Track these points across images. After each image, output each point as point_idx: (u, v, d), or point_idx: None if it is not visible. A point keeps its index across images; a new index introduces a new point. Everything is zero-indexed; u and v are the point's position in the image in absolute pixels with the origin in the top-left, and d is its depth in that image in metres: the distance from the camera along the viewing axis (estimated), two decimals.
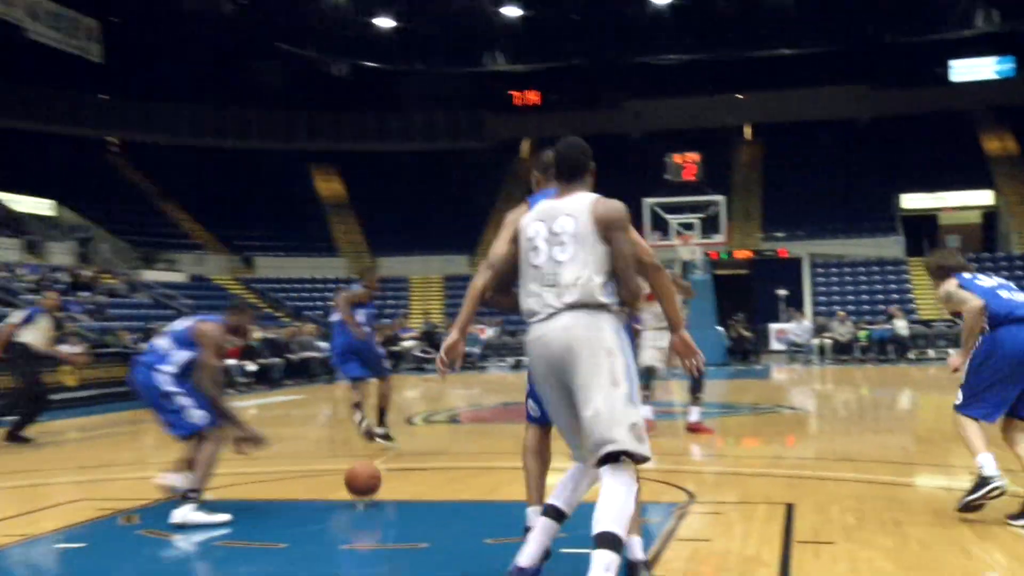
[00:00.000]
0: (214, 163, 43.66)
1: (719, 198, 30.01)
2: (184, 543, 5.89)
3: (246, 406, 17.74)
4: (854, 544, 5.28)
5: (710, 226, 29.43)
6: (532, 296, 4.19)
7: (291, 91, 44.54)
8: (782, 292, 32.76)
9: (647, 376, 10.45)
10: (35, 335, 12.21)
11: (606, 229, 4.15)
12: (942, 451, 8.75)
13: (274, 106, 45.75)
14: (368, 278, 10.64)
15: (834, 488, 7.06)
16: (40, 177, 36.98)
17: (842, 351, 26.55)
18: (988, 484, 5.66)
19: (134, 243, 37.36)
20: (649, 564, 4.74)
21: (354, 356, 10.01)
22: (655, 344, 10.21)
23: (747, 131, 46.34)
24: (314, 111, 46.54)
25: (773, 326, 31.65)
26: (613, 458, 3.99)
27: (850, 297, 34.95)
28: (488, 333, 29.38)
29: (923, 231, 38.34)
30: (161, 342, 6.77)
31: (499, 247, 4.57)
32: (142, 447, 12.11)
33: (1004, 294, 5.96)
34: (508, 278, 4.47)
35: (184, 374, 6.56)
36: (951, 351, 16.10)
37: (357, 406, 10.07)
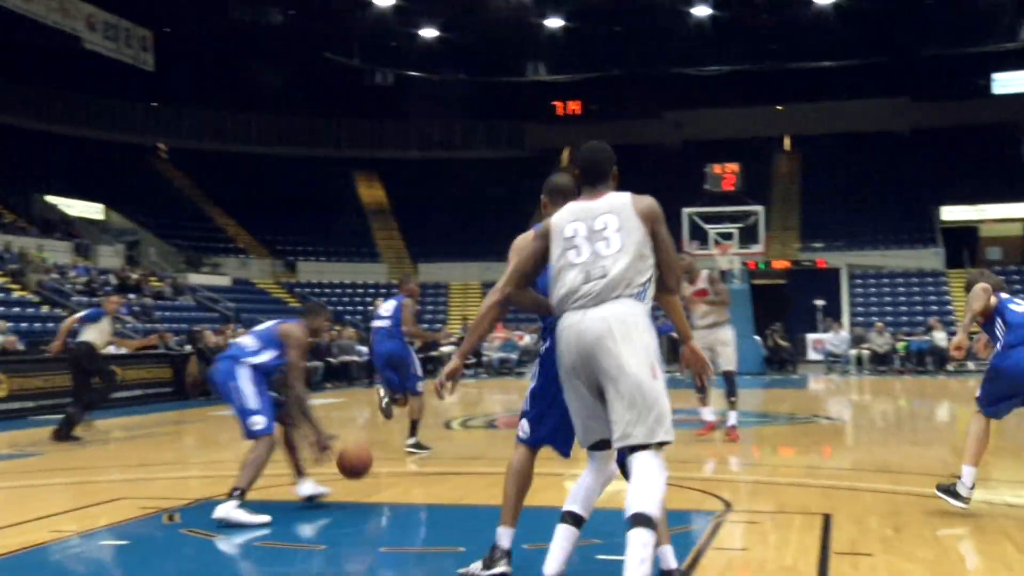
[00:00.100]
0: (259, 169, 44.16)
1: (758, 208, 29.88)
2: (224, 543, 5.98)
3: None
4: (893, 556, 5.25)
5: (748, 236, 29.32)
6: (570, 291, 4.20)
7: (336, 99, 44.93)
8: (820, 302, 32.56)
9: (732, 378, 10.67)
10: (96, 335, 12.53)
11: (651, 222, 4.26)
12: (982, 464, 8.65)
13: (319, 114, 46.22)
14: (408, 284, 10.74)
15: (871, 499, 7.02)
16: (91, 182, 37.70)
17: (880, 362, 26.33)
18: (955, 497, 6.22)
19: (180, 247, 37.87)
20: (685, 573, 4.76)
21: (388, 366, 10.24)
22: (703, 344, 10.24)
23: (786, 142, 46.12)
24: (358, 119, 46.95)
25: (810, 336, 31.46)
26: (645, 446, 4.05)
27: (888, 308, 34.65)
28: (526, 340, 29.40)
29: (963, 243, 37.95)
30: (246, 340, 7.02)
31: (511, 275, 4.57)
32: (184, 447, 12.28)
33: None
34: (529, 278, 4.49)
35: (264, 372, 6.79)
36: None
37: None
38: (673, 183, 38.42)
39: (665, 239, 4.29)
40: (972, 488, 6.25)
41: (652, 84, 43.59)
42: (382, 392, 10.44)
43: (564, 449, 4.77)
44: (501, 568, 4.64)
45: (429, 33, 40.80)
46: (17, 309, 24.42)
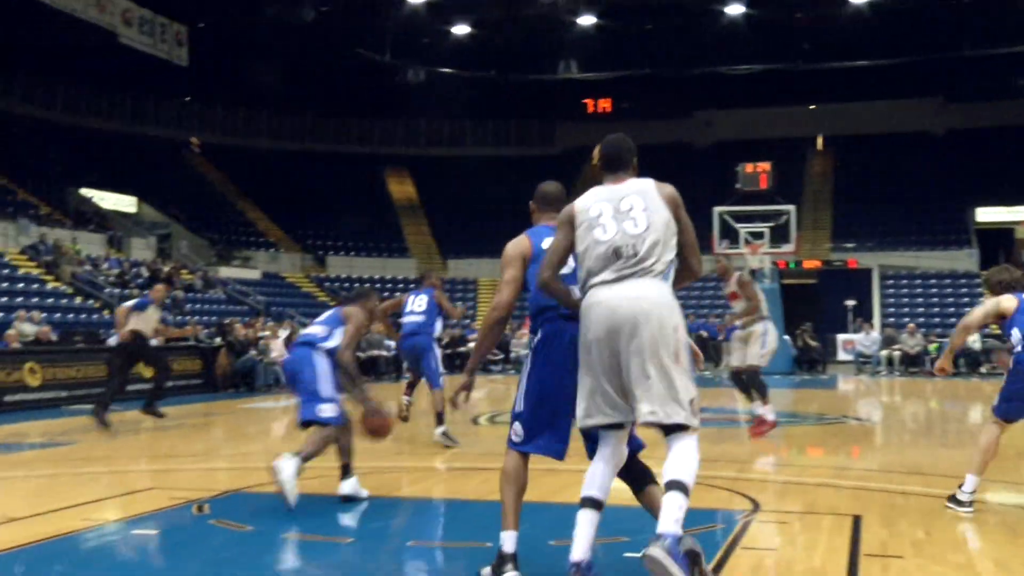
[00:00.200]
0: (290, 164, 44.41)
1: (789, 208, 29.73)
2: (253, 535, 6.01)
3: None
4: (924, 559, 5.21)
5: (779, 235, 29.16)
6: (598, 267, 4.31)
7: (367, 96, 45.06)
8: (850, 303, 32.35)
9: (755, 376, 10.80)
10: (144, 323, 12.88)
11: (674, 207, 4.43)
12: (1015, 468, 8.57)
13: (350, 110, 46.40)
14: (431, 278, 11.11)
15: (902, 501, 6.97)
16: (124, 175, 38.06)
17: (911, 363, 26.11)
18: (957, 504, 6.46)
19: (211, 240, 38.15)
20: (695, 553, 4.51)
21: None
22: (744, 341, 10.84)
23: (819, 142, 45.82)
24: (389, 116, 47.10)
25: (840, 336, 31.28)
26: (674, 428, 4.20)
27: (920, 309, 34.38)
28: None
29: (999, 245, 37.55)
30: (315, 328, 7.28)
31: (510, 288, 4.77)
32: (213, 439, 12.36)
33: None
34: (560, 268, 4.54)
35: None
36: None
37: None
38: (704, 182, 38.29)
39: (687, 223, 4.45)
40: (973, 494, 6.47)
41: (684, 83, 43.41)
42: (406, 400, 11.22)
43: (558, 453, 4.74)
44: (509, 573, 4.62)
45: (461, 30, 40.81)
46: (51, 300, 24.68)
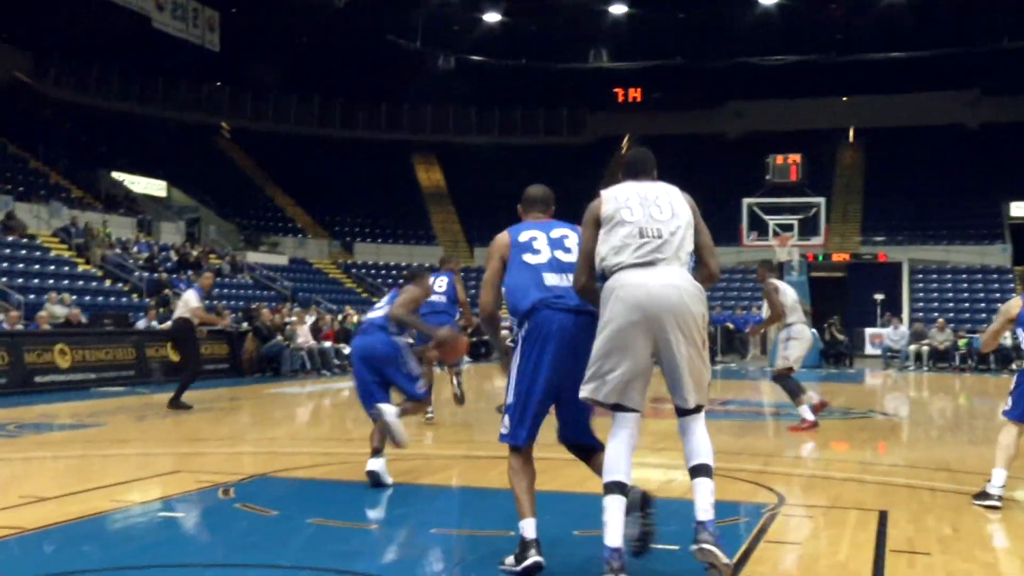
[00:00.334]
0: (319, 151, 44.55)
1: (819, 200, 29.53)
2: (278, 519, 6.04)
3: (341, 387, 18.09)
4: (951, 556, 5.16)
5: (808, 228, 28.98)
6: (623, 249, 4.49)
7: (397, 83, 45.06)
8: (879, 296, 32.12)
9: (780, 378, 11.09)
10: (190, 311, 13.31)
11: (693, 210, 4.66)
12: None
13: (379, 97, 46.48)
14: (450, 263, 11.32)
15: (929, 498, 6.91)
16: (155, 159, 38.33)
17: (940, 359, 25.89)
18: (986, 499, 6.46)
19: (239, 225, 38.36)
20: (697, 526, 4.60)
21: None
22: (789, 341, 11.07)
23: (850, 134, 45.46)
24: (418, 103, 47.12)
25: (868, 330, 31.08)
26: (694, 409, 4.54)
27: (950, 304, 34.09)
28: None
29: None
30: (380, 312, 7.69)
31: (490, 290, 4.98)
32: (239, 423, 12.43)
33: None
34: (592, 272, 4.64)
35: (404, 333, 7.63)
36: None
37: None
38: (734, 173, 38.16)
39: (703, 226, 4.70)
40: (1002, 488, 6.47)
41: (715, 73, 43.12)
42: (456, 382, 11.83)
43: (582, 433, 4.94)
44: (533, 558, 4.64)
45: (492, 18, 40.73)
46: (81, 283, 24.90)
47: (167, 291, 25.13)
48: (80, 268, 26.22)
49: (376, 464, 7.12)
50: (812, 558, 5.15)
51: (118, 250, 28.08)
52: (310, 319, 23.06)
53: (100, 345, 17.53)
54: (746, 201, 29.33)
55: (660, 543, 4.96)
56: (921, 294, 35.35)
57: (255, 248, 36.19)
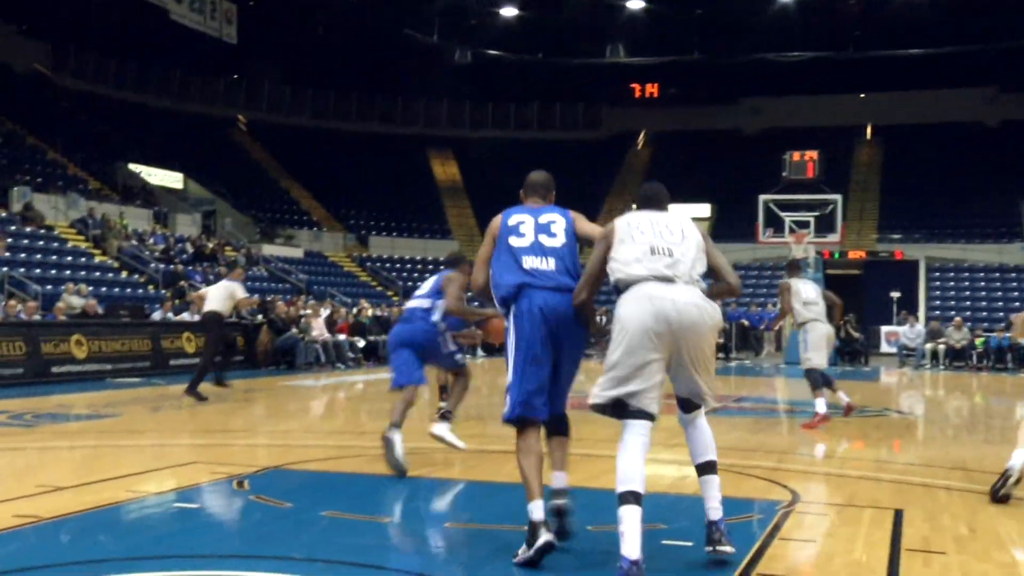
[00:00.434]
0: (335, 144, 44.61)
1: (835, 197, 29.41)
2: (291, 511, 6.06)
3: (355, 381, 18.12)
4: (967, 556, 5.13)
5: (825, 225, 28.87)
6: (636, 262, 4.73)
7: (413, 77, 45.12)
8: (895, 294, 31.98)
9: (807, 372, 11.23)
10: (224, 303, 13.65)
11: (703, 236, 4.95)
12: None
13: (397, 91, 46.52)
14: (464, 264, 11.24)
15: (945, 497, 6.87)
16: (172, 151, 38.46)
17: (956, 357, 25.76)
18: (1005, 479, 6.46)
19: (255, 218, 38.45)
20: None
21: None
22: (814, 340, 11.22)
23: (867, 131, 45.25)
24: (435, 97, 47.14)
25: (884, 328, 30.96)
26: (697, 406, 4.88)
27: (967, 303, 33.92)
28: (598, 320, 29.33)
29: None
30: (421, 302, 7.87)
31: (480, 267, 5.29)
32: (253, 415, 12.47)
33: None
34: (600, 280, 4.97)
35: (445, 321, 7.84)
36: None
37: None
38: (750, 169, 38.03)
39: (714, 249, 4.98)
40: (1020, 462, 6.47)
41: (732, 69, 43.03)
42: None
43: (544, 413, 5.08)
44: (544, 538, 4.71)
45: (509, 12, 40.71)
46: (97, 274, 25.01)
47: (183, 283, 25.24)
48: (97, 259, 26.33)
49: (440, 428, 7.77)
50: (827, 556, 5.13)
51: (134, 242, 28.19)
52: (325, 312, 23.11)
53: (116, 336, 17.61)
54: (762, 198, 29.23)
55: (674, 539, 4.96)
56: (938, 292, 35.19)
57: (270, 241, 36.28)
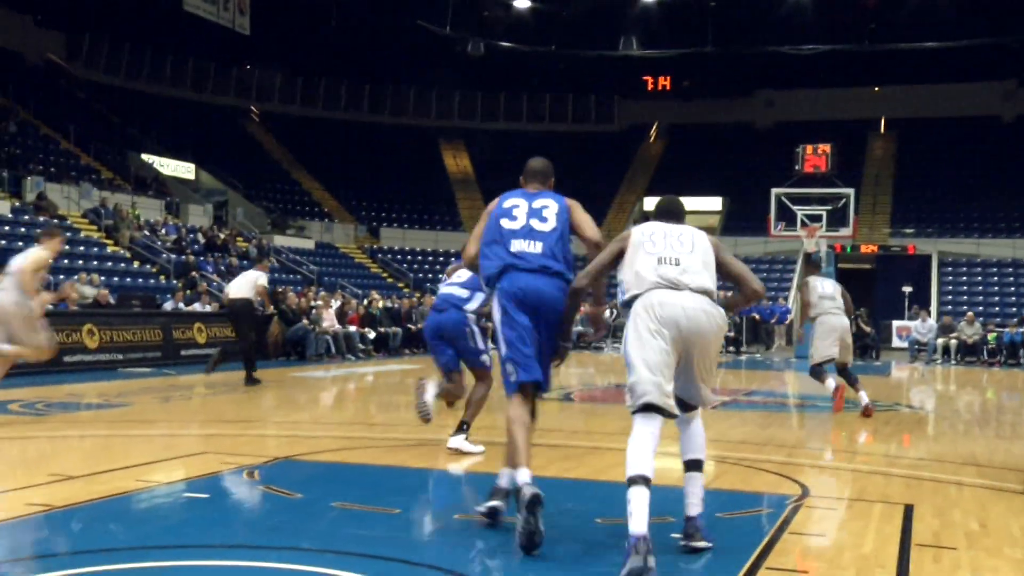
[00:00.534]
0: (347, 135, 44.67)
1: (848, 191, 29.32)
2: (301, 502, 6.07)
3: (365, 372, 18.15)
4: (978, 551, 5.11)
5: (837, 218, 28.78)
6: (646, 271, 4.91)
7: (426, 68, 45.10)
8: (907, 289, 31.89)
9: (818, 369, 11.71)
10: (250, 291, 14.13)
11: (717, 250, 5.12)
12: None
13: (408, 82, 46.53)
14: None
15: (956, 492, 6.84)
16: (184, 142, 38.54)
17: (968, 352, 25.66)
18: None
19: (267, 208, 38.51)
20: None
21: None
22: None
23: (881, 124, 45.05)
24: (447, 88, 47.11)
25: (896, 323, 30.87)
26: (693, 408, 5.05)
27: (979, 298, 33.79)
28: (606, 314, 29.31)
29: None
30: (457, 290, 7.96)
31: (473, 240, 5.57)
32: (264, 406, 12.49)
33: None
34: (606, 273, 5.24)
35: (478, 316, 7.92)
36: None
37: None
38: (763, 163, 37.92)
39: (731, 260, 5.17)
40: None
41: (746, 62, 42.87)
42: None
43: (546, 383, 5.41)
44: (494, 502, 5.16)
45: (522, 3, 40.61)
46: (109, 264, 25.09)
47: (194, 273, 25.30)
48: (109, 249, 26.41)
49: (456, 441, 7.77)
50: (836, 550, 5.12)
51: (146, 232, 28.26)
52: (335, 303, 23.13)
53: (127, 326, 17.65)
54: (775, 191, 29.14)
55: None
56: (950, 287, 35.07)
57: (282, 232, 36.35)
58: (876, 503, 6.35)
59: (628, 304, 4.96)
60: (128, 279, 24.55)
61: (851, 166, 37.79)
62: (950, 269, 35.84)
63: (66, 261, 23.65)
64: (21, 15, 37.50)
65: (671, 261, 4.91)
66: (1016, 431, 11.53)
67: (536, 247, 5.30)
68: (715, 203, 40.39)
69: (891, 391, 17.04)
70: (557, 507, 6.13)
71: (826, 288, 11.74)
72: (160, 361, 17.72)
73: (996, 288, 34.62)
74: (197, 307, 21.09)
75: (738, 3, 39.17)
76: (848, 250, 34.57)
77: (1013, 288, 34.25)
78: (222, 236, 30.70)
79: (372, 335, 22.93)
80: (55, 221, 24.10)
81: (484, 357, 7.96)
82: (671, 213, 5.25)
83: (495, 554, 5.00)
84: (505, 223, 5.42)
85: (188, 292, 22.85)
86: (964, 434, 11.06)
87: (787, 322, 29.40)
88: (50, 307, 17.91)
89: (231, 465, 7.15)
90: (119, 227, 27.39)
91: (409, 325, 24.38)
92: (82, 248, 25.51)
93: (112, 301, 20.02)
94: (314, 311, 21.61)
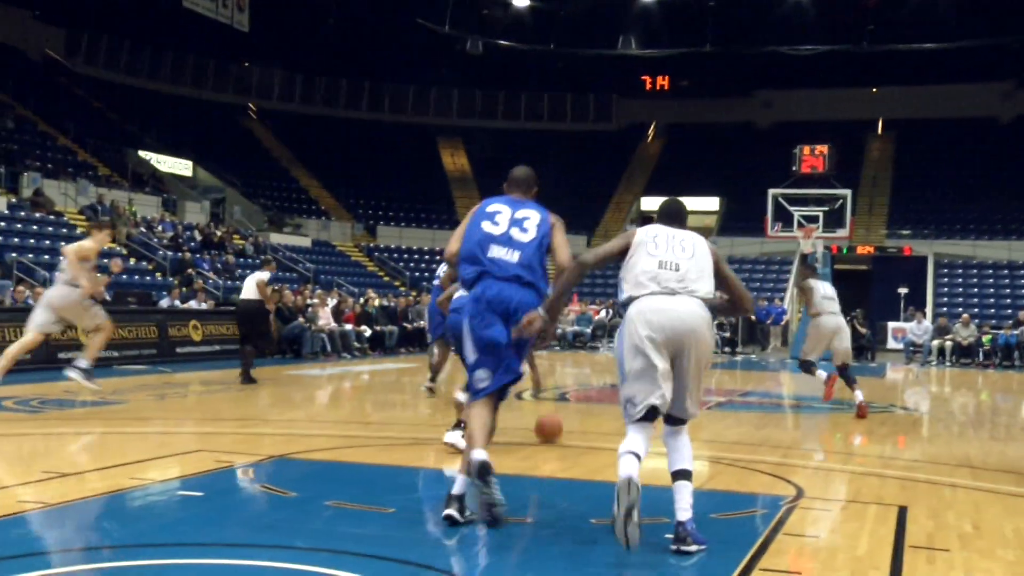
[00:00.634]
0: (346, 133, 44.65)
1: (845, 192, 29.34)
2: (296, 500, 6.07)
3: (360, 371, 18.14)
4: (971, 553, 5.12)
5: (834, 219, 28.79)
6: (645, 274, 5.06)
7: (425, 67, 45.10)
8: (903, 290, 31.92)
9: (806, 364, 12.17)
10: (256, 292, 14.49)
11: (716, 260, 5.26)
12: None
13: (407, 80, 46.52)
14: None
15: (950, 494, 6.85)
16: (181, 138, 38.51)
17: (964, 354, 25.69)
18: None
19: (264, 206, 38.47)
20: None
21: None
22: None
23: (879, 125, 45.09)
24: (446, 87, 47.10)
25: (891, 324, 30.90)
26: (681, 420, 5.13)
27: (975, 300, 33.83)
28: (600, 314, 29.33)
29: None
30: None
31: (455, 239, 5.66)
32: (258, 404, 12.47)
33: None
34: (607, 262, 5.37)
35: None
36: None
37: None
38: (760, 163, 37.93)
39: (729, 273, 5.35)
40: None
41: (744, 62, 42.88)
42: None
43: (517, 375, 5.58)
44: (449, 510, 5.31)
45: (521, 2, 40.60)
46: (105, 261, 25.00)
47: (190, 270, 25.27)
48: (105, 246, 26.35)
49: (452, 437, 7.82)
50: (830, 551, 5.12)
51: (143, 229, 28.23)
52: (332, 301, 23.12)
53: (123, 323, 17.62)
54: (772, 192, 29.14)
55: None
56: (946, 289, 35.11)
57: (279, 229, 36.32)
58: (870, 504, 6.36)
59: (625, 305, 5.13)
60: (124, 276, 24.48)
61: (849, 167, 37.80)
62: (946, 271, 35.89)
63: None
64: (21, 10, 37.48)
65: (671, 266, 5.06)
66: (1010, 433, 11.55)
67: (514, 256, 5.46)
68: (712, 203, 40.40)
69: (886, 392, 17.05)
70: (552, 507, 6.14)
71: (827, 290, 12.22)
72: (156, 358, 17.71)
73: (992, 290, 34.67)
74: (193, 304, 21.07)
75: (737, 3, 39.18)
76: (844, 251, 34.62)
77: (1009, 290, 34.29)
78: (219, 233, 30.67)
79: (368, 332, 22.93)
80: (106, 217, 24.38)
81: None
82: (673, 216, 5.39)
83: (489, 553, 5.00)
84: (487, 227, 5.57)
85: (184, 289, 22.83)
86: (959, 436, 11.07)
87: (783, 323, 29.42)
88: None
89: (226, 463, 7.16)
90: (116, 224, 27.35)
91: (405, 324, 24.36)
92: None
93: (108, 298, 19.95)
94: (310, 309, 21.59)
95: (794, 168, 31.95)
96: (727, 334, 27.89)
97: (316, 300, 22.50)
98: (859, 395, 11.59)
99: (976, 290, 34.86)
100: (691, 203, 38.23)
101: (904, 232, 37.83)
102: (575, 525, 5.55)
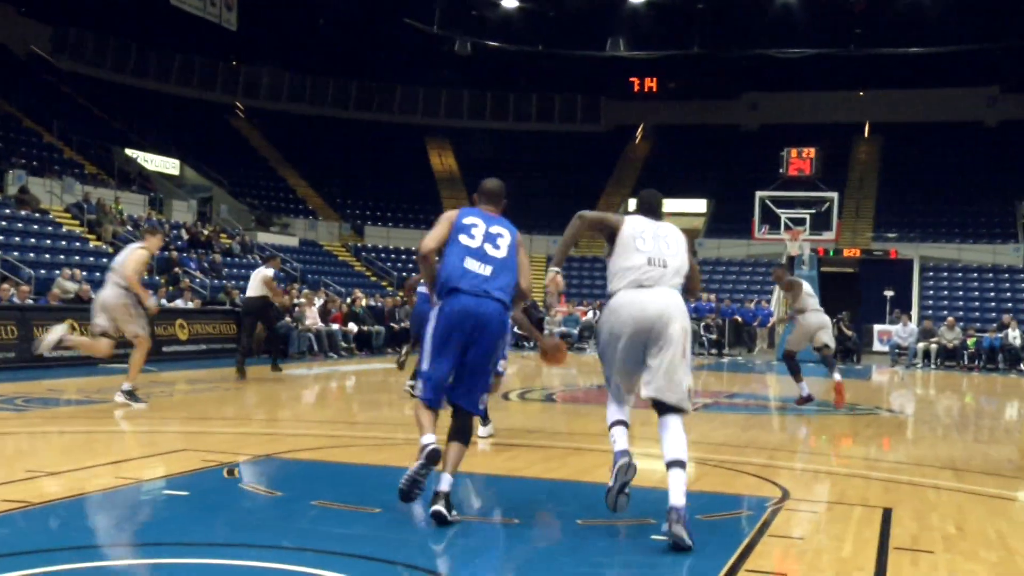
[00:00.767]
0: (333, 132, 44.57)
1: (831, 195, 29.44)
2: (281, 500, 6.06)
3: (347, 371, 18.11)
4: (955, 555, 5.15)
5: (820, 222, 28.87)
6: (633, 270, 5.35)
7: (413, 67, 45.05)
8: (889, 293, 32.05)
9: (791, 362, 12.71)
10: (261, 288, 14.97)
11: (688, 247, 5.65)
12: None
13: (396, 80, 46.47)
14: None
15: (934, 496, 6.89)
16: (169, 137, 38.38)
17: (948, 357, 25.81)
18: None
19: (251, 205, 38.38)
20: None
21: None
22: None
23: (866, 129, 45.26)
24: (434, 87, 47.08)
25: (877, 327, 31.02)
26: (673, 409, 5.26)
27: (960, 303, 33.98)
28: (588, 315, 29.35)
29: None
30: None
31: (432, 238, 5.71)
32: (245, 403, 12.45)
33: None
34: (596, 229, 5.64)
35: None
36: None
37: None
38: (747, 165, 38.03)
39: (691, 258, 5.66)
40: None
41: (732, 64, 42.98)
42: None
43: (476, 408, 5.71)
44: (436, 506, 5.38)
45: (510, 3, 40.59)
46: (91, 259, 24.94)
47: (177, 269, 25.18)
48: (91, 244, 26.26)
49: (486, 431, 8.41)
50: (815, 553, 5.14)
51: (129, 227, 28.11)
52: (319, 301, 23.08)
53: None
54: (759, 194, 29.22)
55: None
56: (931, 292, 35.25)
57: (266, 229, 36.22)
58: (855, 506, 6.38)
59: (609, 297, 5.47)
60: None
61: (835, 170, 37.94)
62: (931, 274, 36.04)
63: (47, 256, 23.53)
64: (6, 6, 37.31)
65: (659, 263, 5.40)
66: (994, 435, 11.61)
67: (486, 270, 5.60)
68: (700, 205, 40.49)
69: (871, 395, 17.12)
70: (539, 507, 6.14)
71: (809, 288, 12.98)
72: None
73: (976, 293, 34.83)
74: (179, 303, 21.00)
75: (725, 6, 39.24)
76: (831, 253, 34.73)
77: (993, 293, 34.45)
78: (206, 232, 30.57)
79: (355, 331, 22.91)
80: (154, 223, 24.63)
81: (502, 362, 7.96)
82: (655, 209, 5.75)
83: (475, 554, 5.00)
84: (464, 239, 5.68)
85: (171, 288, 22.75)
86: (943, 438, 11.12)
87: (769, 325, 29.49)
88: (29, 301, 17.85)
89: (211, 463, 7.14)
90: (102, 222, 27.24)
91: (392, 324, 24.33)
92: (64, 243, 25.37)
93: (94, 296, 19.89)
94: (297, 308, 21.56)
95: (781, 170, 32.04)
96: (713, 336, 27.95)
97: (303, 300, 22.46)
98: (804, 387, 12.41)
99: (961, 293, 35.02)
100: (679, 205, 38.55)
101: (890, 235, 37.99)
102: (561, 526, 5.55)
